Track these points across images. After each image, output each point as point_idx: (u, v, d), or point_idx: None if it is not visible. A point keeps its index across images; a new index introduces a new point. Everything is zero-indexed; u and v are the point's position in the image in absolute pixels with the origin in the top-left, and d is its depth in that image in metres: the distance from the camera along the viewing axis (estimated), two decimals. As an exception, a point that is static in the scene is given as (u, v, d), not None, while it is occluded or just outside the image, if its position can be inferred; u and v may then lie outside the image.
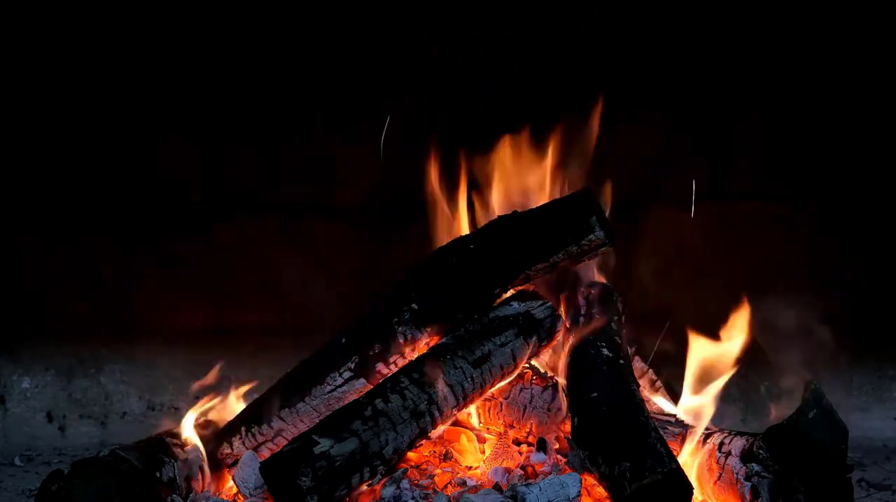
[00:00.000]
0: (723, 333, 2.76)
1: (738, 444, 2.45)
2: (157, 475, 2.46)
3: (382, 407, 2.43)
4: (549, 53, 3.62)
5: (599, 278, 2.90)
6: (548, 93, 3.55)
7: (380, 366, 2.65)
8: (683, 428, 2.64)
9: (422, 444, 2.56)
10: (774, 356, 3.44)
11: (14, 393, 3.71)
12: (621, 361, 2.62)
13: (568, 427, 2.57)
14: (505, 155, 2.91)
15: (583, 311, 2.78)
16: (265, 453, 2.60)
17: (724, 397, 2.76)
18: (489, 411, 2.72)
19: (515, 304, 2.67)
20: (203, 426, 2.73)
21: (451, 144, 2.97)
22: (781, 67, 3.68)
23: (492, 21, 3.62)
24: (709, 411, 2.67)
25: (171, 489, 2.48)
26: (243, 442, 2.67)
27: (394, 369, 2.63)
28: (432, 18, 3.61)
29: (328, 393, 2.65)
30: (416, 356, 2.63)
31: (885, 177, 3.72)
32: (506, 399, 2.70)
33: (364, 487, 2.41)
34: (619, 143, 3.66)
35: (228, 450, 2.68)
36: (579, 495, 2.36)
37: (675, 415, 2.71)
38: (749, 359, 2.78)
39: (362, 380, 2.64)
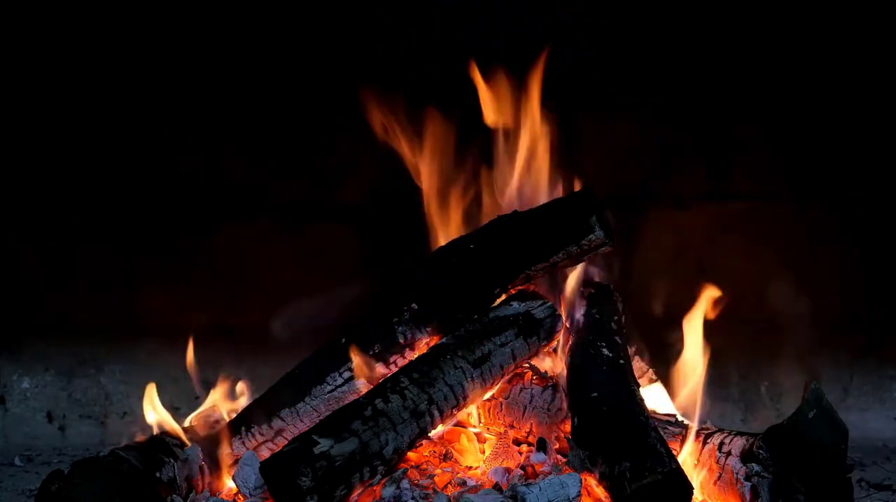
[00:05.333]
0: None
1: (738, 444, 2.45)
2: (157, 475, 2.46)
3: (382, 407, 2.43)
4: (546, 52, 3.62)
5: (599, 278, 2.90)
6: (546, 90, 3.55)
7: (379, 366, 2.65)
8: (683, 428, 2.64)
9: (422, 444, 2.56)
10: (775, 355, 3.44)
11: (14, 393, 3.71)
12: (621, 361, 2.62)
13: (568, 427, 2.57)
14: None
15: (583, 311, 2.78)
16: (265, 453, 2.60)
17: (724, 397, 2.76)
18: (489, 411, 2.72)
19: (515, 304, 2.67)
20: (203, 426, 2.73)
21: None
22: (781, 67, 3.68)
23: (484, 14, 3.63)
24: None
25: (171, 489, 2.48)
26: (243, 442, 2.66)
27: (394, 369, 2.63)
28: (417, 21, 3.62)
29: (328, 393, 2.65)
30: (416, 356, 2.63)
31: (886, 177, 3.71)
32: (506, 399, 2.70)
33: (364, 487, 2.41)
34: (619, 143, 3.67)
35: (228, 450, 2.67)
36: (579, 495, 2.36)
37: (675, 415, 2.71)
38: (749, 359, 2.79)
39: (362, 380, 2.64)
